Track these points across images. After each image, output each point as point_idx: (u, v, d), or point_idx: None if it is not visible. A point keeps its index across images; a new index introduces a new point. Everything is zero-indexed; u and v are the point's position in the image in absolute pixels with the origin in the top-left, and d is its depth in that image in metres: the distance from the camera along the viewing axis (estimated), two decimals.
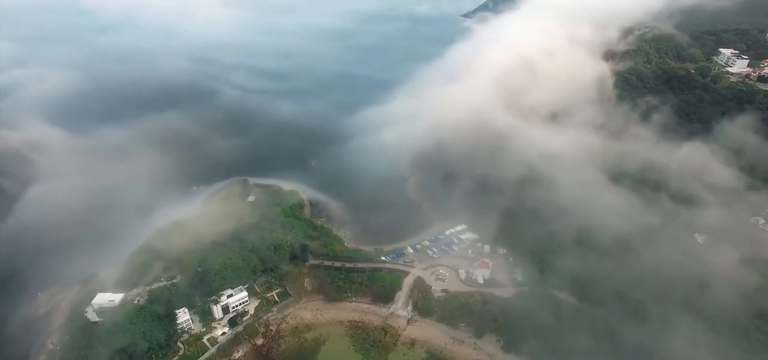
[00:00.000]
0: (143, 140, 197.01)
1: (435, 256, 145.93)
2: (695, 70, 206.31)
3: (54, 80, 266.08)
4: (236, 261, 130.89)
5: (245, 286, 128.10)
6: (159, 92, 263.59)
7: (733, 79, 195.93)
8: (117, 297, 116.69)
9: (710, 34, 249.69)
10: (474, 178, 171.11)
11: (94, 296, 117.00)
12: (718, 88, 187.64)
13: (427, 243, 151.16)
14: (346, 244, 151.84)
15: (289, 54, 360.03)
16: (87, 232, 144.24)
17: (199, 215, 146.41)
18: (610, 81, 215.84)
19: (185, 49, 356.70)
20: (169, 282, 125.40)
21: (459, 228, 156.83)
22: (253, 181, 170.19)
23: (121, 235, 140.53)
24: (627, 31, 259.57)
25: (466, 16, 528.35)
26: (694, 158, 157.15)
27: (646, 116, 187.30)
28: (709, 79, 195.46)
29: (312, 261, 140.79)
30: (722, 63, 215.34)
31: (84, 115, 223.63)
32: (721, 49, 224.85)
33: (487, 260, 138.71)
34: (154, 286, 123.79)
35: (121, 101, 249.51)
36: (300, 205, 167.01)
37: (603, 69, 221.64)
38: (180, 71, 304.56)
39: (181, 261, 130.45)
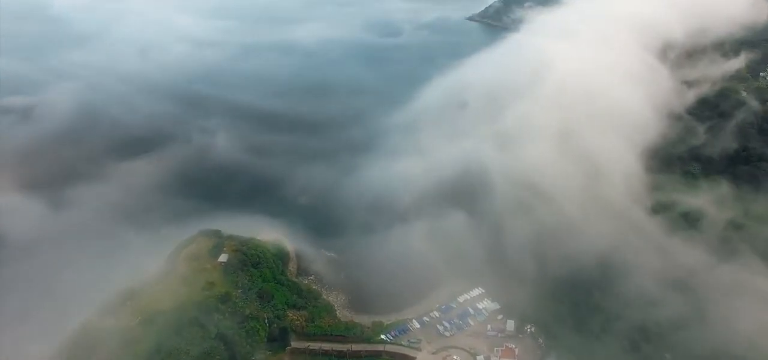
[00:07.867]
0: (97, 184, 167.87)
1: (446, 333, 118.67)
2: (745, 91, 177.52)
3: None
4: (197, 353, 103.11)
5: None
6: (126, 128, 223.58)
7: None
8: None
9: (746, 44, 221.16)
10: (494, 226, 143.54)
11: None
12: None
13: (437, 315, 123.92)
14: (337, 314, 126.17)
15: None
16: (15, 302, 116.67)
17: (156, 283, 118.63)
18: None
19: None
20: None
21: (475, 293, 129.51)
22: (229, 231, 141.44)
23: (57, 310, 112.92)
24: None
25: (471, 19, 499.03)
26: None
27: None
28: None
29: (294, 344, 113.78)
30: None
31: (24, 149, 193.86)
32: None
33: (513, 346, 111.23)
34: None
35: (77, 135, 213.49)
36: (284, 261, 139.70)
37: None
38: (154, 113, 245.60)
39: (126, 353, 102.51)
